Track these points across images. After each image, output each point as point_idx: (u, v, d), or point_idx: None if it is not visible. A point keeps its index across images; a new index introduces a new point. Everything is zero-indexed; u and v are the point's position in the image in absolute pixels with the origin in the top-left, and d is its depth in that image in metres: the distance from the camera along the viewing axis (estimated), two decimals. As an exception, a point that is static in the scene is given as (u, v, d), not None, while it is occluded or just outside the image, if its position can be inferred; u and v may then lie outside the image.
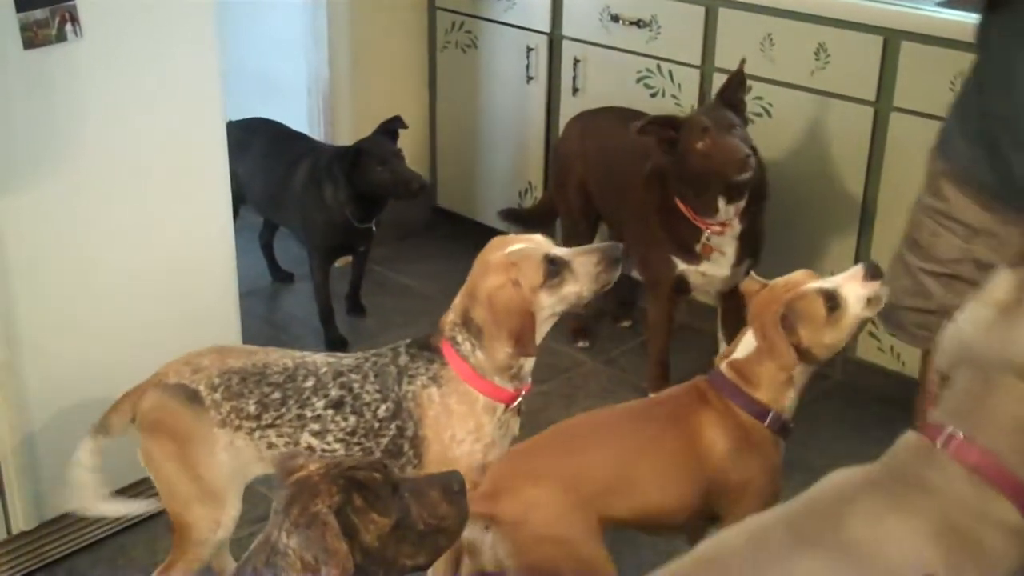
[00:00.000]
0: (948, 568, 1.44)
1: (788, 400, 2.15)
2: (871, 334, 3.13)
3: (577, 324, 3.56)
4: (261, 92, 4.02)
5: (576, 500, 2.00)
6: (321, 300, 3.55)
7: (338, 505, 1.48)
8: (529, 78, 3.77)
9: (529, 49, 3.72)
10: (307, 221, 3.52)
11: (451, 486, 1.60)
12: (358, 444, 2.11)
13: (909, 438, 1.59)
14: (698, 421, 2.13)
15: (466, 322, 2.10)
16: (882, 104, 2.97)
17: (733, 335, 3.13)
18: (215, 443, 2.11)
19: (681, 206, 2.92)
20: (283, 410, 2.10)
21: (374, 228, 3.51)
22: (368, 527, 1.50)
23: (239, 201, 3.20)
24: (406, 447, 2.10)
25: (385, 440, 2.10)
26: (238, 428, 2.11)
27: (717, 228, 2.91)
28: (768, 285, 2.16)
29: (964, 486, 1.48)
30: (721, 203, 2.86)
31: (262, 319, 3.67)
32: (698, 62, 3.30)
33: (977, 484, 1.48)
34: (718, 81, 3.21)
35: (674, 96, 3.35)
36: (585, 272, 2.07)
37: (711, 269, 2.99)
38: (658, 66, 3.39)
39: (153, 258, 2.54)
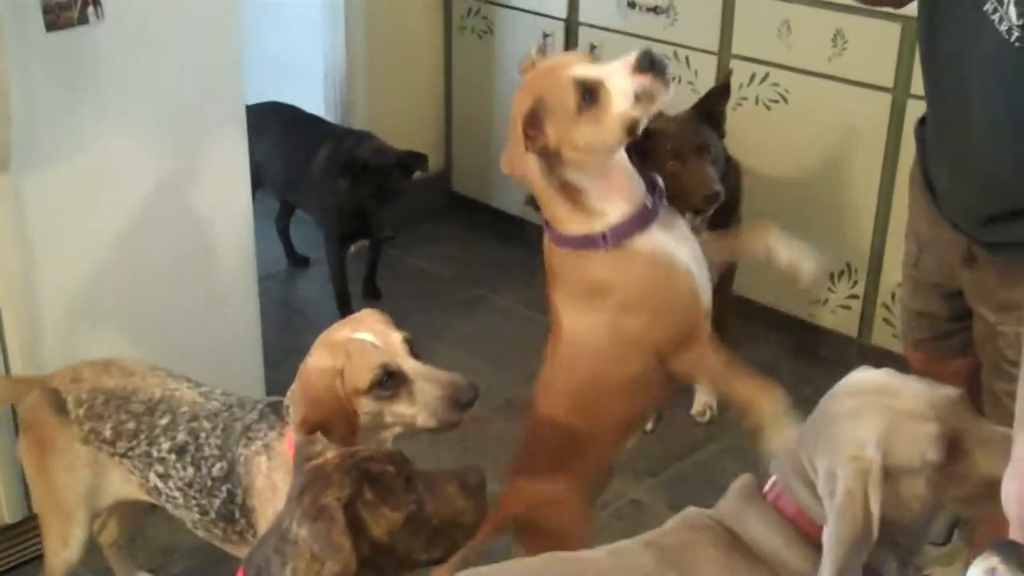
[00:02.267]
0: None
1: (612, 208, 1.86)
2: (886, 320, 3.14)
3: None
4: (277, 76, 4.02)
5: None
6: (337, 284, 3.57)
7: (348, 498, 1.46)
8: (545, 64, 3.77)
9: (545, 35, 3.72)
10: (323, 205, 3.54)
11: (469, 480, 1.56)
12: (194, 499, 1.95)
13: (744, 480, 1.53)
14: (554, 297, 1.99)
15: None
16: (899, 91, 2.97)
17: (722, 336, 3.11)
18: (75, 458, 2.02)
19: None
20: (134, 443, 1.98)
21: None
22: (378, 521, 1.48)
23: (255, 185, 3.21)
24: (237, 514, 1.91)
25: (217, 502, 1.92)
26: (99, 449, 2.01)
27: None
28: (536, 67, 1.87)
29: (786, 535, 1.43)
30: (688, 214, 2.73)
31: (279, 302, 3.69)
32: (715, 48, 3.30)
33: (797, 535, 1.42)
34: (736, 67, 3.21)
35: (691, 83, 3.35)
36: (424, 400, 1.78)
37: None
38: (675, 52, 3.38)
39: (172, 240, 2.55)
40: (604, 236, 1.88)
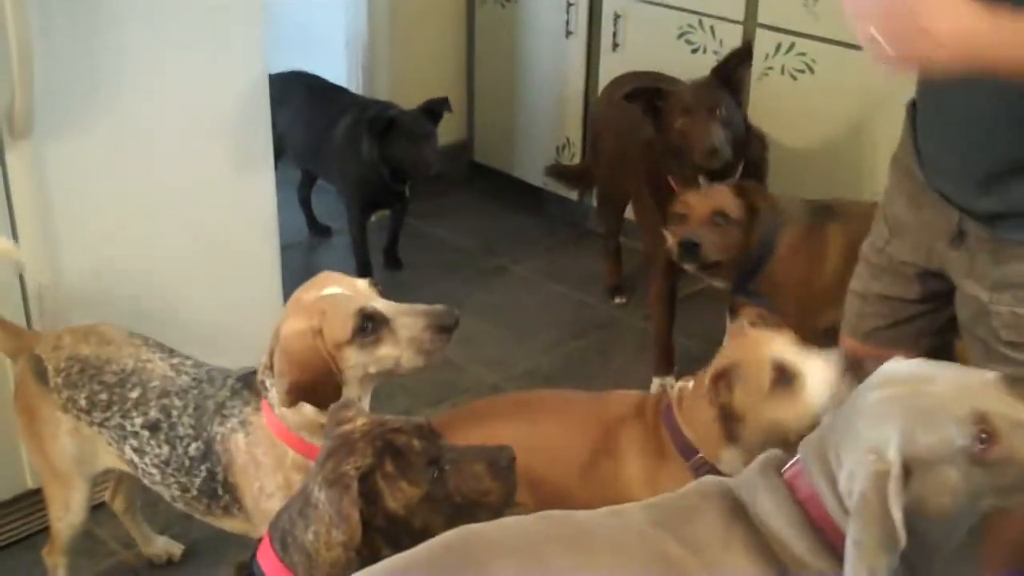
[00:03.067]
0: None
1: (727, 455, 1.90)
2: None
3: (613, 280, 3.57)
4: (299, 45, 4.01)
5: None
6: (358, 254, 3.57)
7: (367, 468, 1.47)
8: (568, 33, 3.74)
9: (569, 4, 3.69)
10: (345, 175, 3.54)
11: (499, 461, 1.55)
12: (173, 477, 1.92)
13: (770, 454, 1.47)
14: (620, 431, 2.00)
15: (272, 365, 1.81)
16: (927, 61, 2.92)
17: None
18: (58, 425, 2.02)
19: (670, 179, 2.86)
20: (108, 414, 1.95)
21: (407, 192, 3.55)
22: (395, 495, 1.48)
23: (277, 154, 3.21)
24: (220, 491, 1.89)
25: (198, 480, 1.90)
26: (78, 417, 1.99)
27: None
28: (746, 334, 1.93)
29: (789, 514, 1.38)
30: (702, 180, 2.78)
31: (300, 272, 3.63)
32: (741, 17, 3.26)
33: (797, 521, 1.37)
34: (761, 37, 3.18)
35: (716, 52, 3.31)
36: (408, 336, 1.76)
37: None
38: (700, 21, 3.35)
39: (194, 209, 2.55)
40: (701, 463, 1.91)
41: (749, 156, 2.84)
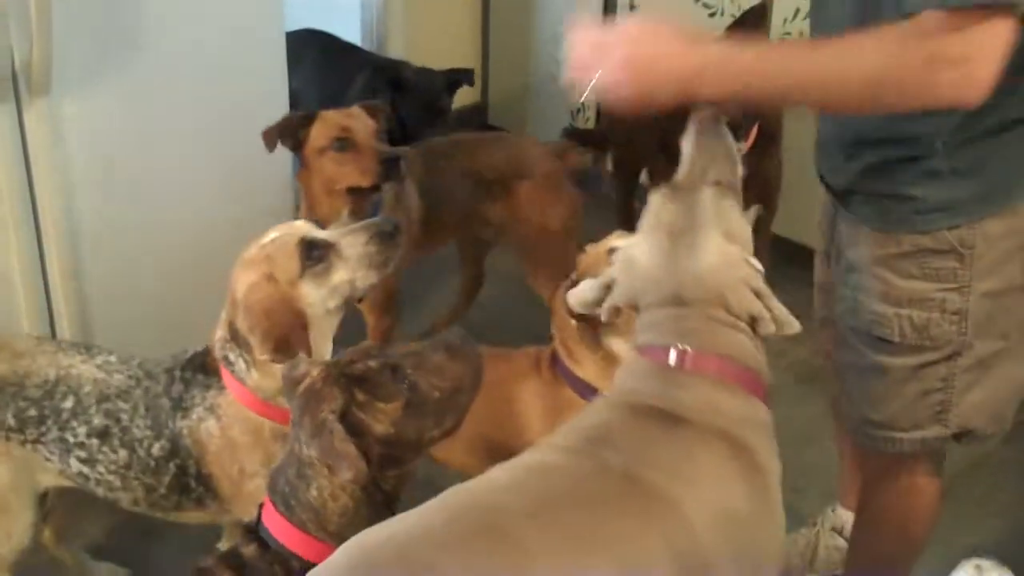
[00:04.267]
0: (752, 489, 1.38)
1: None
2: None
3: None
4: (314, 5, 3.99)
5: None
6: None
7: (341, 407, 1.47)
8: (585, -5, 3.72)
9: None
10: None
11: (453, 343, 1.57)
12: (137, 480, 1.86)
13: (639, 363, 1.47)
14: (518, 386, 2.00)
15: (233, 336, 1.79)
16: (948, 28, 2.90)
17: None
18: None
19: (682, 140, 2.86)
20: (43, 429, 1.86)
21: None
22: (377, 417, 1.49)
23: (292, 113, 3.22)
24: (193, 484, 1.86)
25: (167, 478, 1.85)
26: (8, 439, 1.88)
27: None
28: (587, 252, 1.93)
29: (720, 396, 1.40)
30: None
31: (313, 233, 3.68)
32: (759, -18, 3.24)
33: (729, 390, 1.41)
34: (780, 1, 3.15)
35: (733, 16, 3.29)
36: (355, 254, 1.76)
37: None
38: (719, -14, 3.33)
39: (209, 167, 2.55)
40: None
41: (764, 121, 2.82)
